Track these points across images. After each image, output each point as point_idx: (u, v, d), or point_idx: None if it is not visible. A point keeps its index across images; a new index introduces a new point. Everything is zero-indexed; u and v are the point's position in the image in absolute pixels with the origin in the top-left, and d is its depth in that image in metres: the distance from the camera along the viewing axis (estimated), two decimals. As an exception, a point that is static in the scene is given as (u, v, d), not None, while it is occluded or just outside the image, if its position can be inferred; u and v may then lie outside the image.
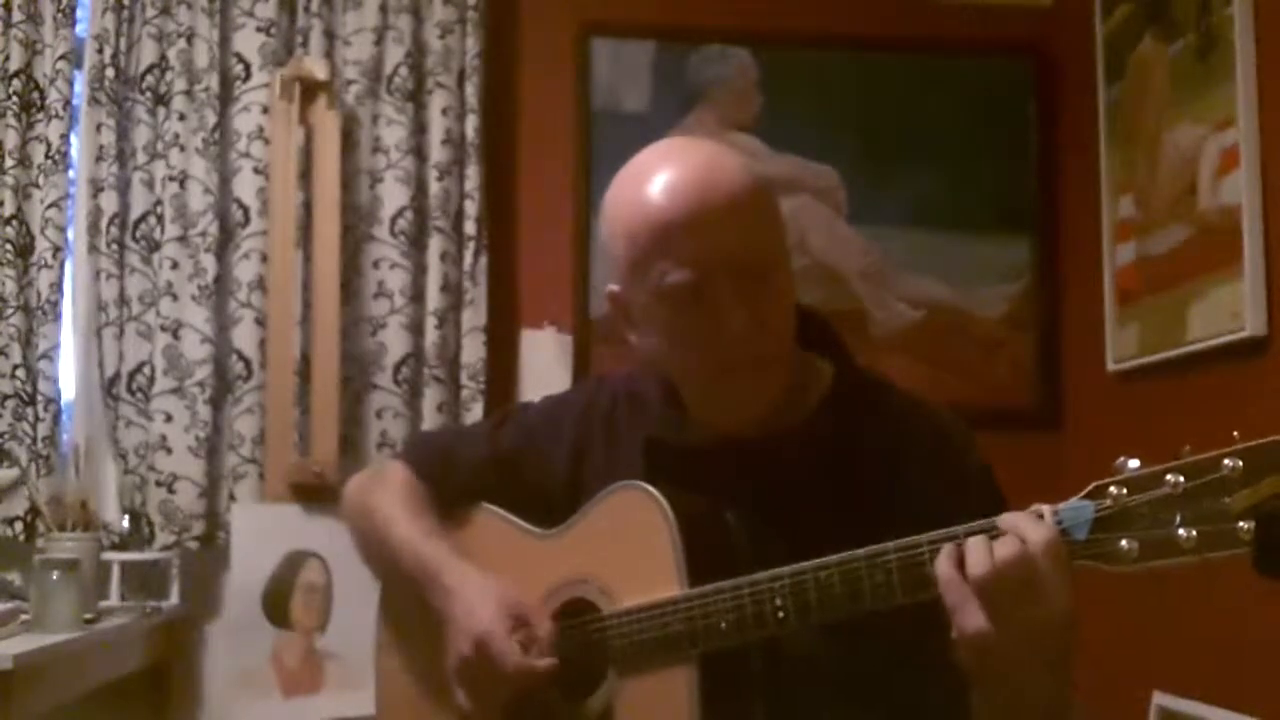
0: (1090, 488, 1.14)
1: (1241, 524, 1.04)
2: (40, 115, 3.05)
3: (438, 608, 1.56)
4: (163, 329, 3.01)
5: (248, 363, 3.03)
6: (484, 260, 3.15)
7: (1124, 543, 1.11)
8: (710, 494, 1.45)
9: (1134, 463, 1.12)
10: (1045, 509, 1.17)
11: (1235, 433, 1.05)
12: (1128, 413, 2.99)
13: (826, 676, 1.39)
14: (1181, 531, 1.08)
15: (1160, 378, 2.85)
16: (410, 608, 1.65)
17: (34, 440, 2.98)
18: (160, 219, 3.06)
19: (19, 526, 2.95)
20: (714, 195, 1.39)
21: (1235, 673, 2.57)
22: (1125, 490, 1.12)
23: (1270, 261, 2.47)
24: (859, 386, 1.51)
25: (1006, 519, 1.20)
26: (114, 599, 2.84)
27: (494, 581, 1.53)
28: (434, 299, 3.10)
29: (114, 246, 3.05)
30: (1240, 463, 1.05)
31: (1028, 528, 1.18)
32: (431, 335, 3.09)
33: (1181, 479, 1.08)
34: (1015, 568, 1.17)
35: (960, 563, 1.20)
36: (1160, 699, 2.78)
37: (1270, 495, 1.02)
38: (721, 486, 1.45)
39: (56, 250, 3.01)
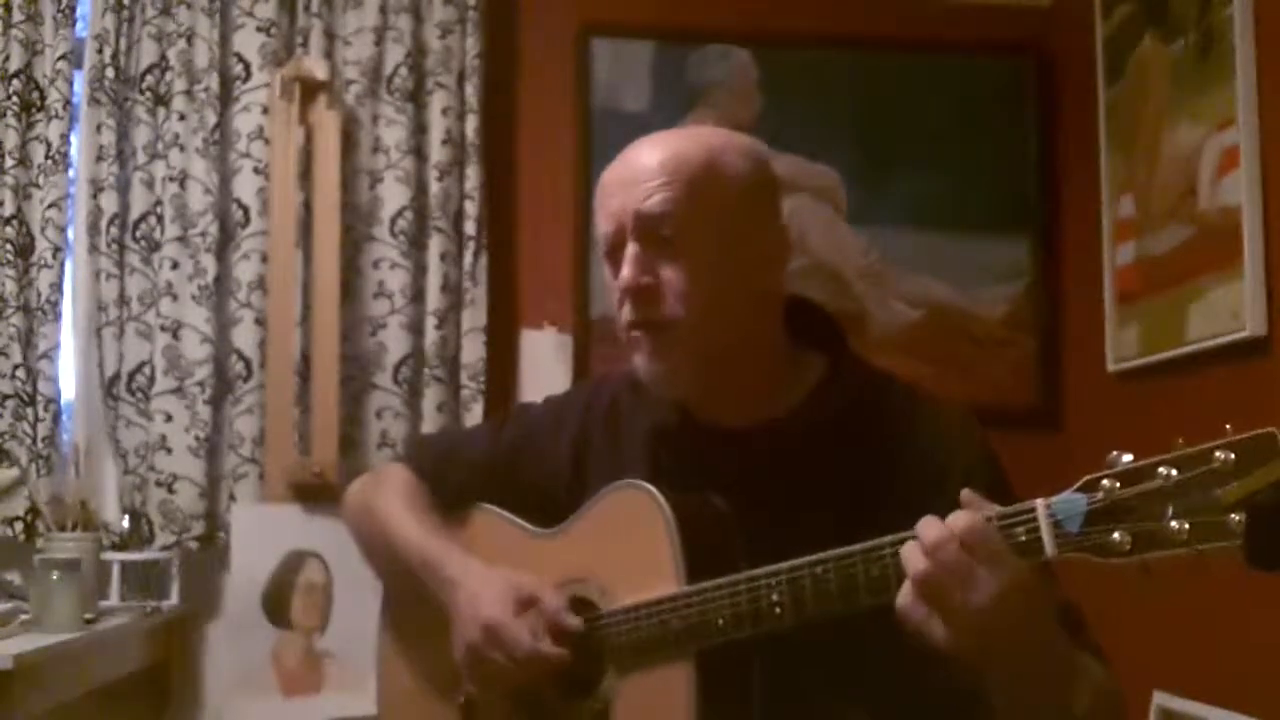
0: (1083, 481, 1.14)
1: (1233, 516, 1.05)
2: (40, 115, 3.05)
3: (442, 600, 1.57)
4: (163, 329, 3.01)
5: (248, 363, 3.04)
6: (484, 260, 3.15)
7: (1116, 535, 1.11)
8: (708, 487, 1.46)
9: (1127, 457, 1.12)
10: (1039, 502, 1.17)
11: (1228, 426, 1.06)
12: (1128, 413, 2.99)
13: (825, 670, 1.40)
14: (1174, 524, 1.08)
15: (1160, 378, 2.85)
16: (412, 606, 1.66)
17: (34, 440, 2.98)
18: (160, 219, 3.06)
19: (19, 526, 2.95)
20: (647, 158, 1.46)
21: (1235, 673, 2.56)
22: (1118, 483, 1.12)
23: (1270, 261, 2.47)
24: (852, 378, 1.52)
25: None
26: (114, 599, 2.84)
27: (498, 570, 1.54)
28: (434, 299, 3.10)
29: (114, 246, 3.05)
30: (1232, 455, 1.06)
31: (954, 519, 1.21)
32: (431, 335, 3.09)
33: (1173, 471, 1.09)
34: (940, 565, 1.19)
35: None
36: (1160, 699, 2.77)
37: (1261, 487, 1.02)
38: (719, 479, 1.46)
39: (56, 250, 3.02)
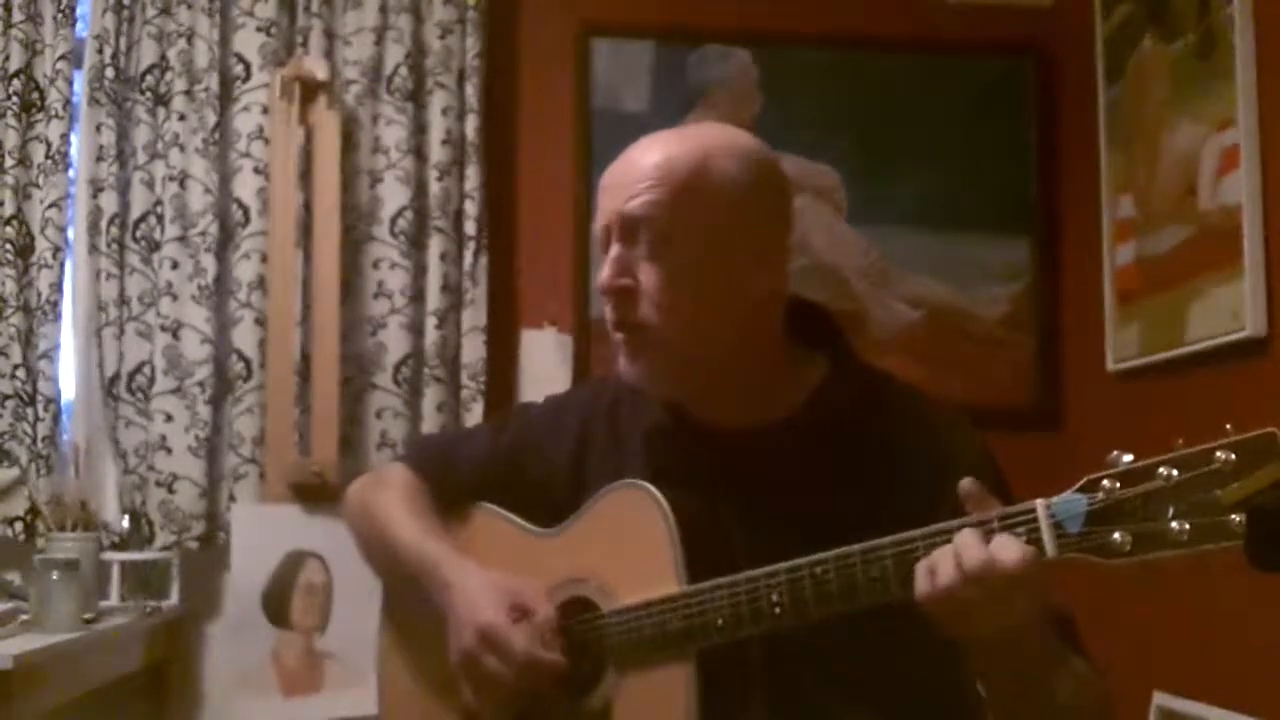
0: (1083, 481, 1.14)
1: (1234, 516, 1.05)
2: (40, 115, 3.05)
3: (439, 603, 1.56)
4: (163, 329, 3.01)
5: (248, 363, 3.03)
6: (484, 260, 3.15)
7: (1117, 535, 1.11)
8: (708, 487, 1.46)
9: (1127, 457, 1.12)
10: (1039, 503, 1.17)
11: (1228, 425, 1.05)
12: (1128, 413, 2.99)
13: (824, 670, 1.40)
14: (1174, 524, 1.08)
15: (1160, 378, 2.85)
16: (413, 608, 1.65)
17: (34, 440, 2.98)
18: (160, 219, 3.06)
19: (19, 526, 2.94)
20: (643, 158, 1.46)
21: (1235, 673, 2.56)
22: (1118, 484, 1.12)
23: (1270, 261, 2.47)
24: (852, 378, 1.51)
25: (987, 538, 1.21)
26: (114, 599, 2.85)
27: (494, 573, 1.54)
28: (434, 299, 3.10)
29: (114, 246, 3.05)
30: (1232, 455, 1.06)
31: (1003, 549, 1.18)
32: (431, 335, 3.09)
33: (1174, 472, 1.09)
34: (975, 584, 1.18)
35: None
36: (1160, 699, 2.77)
37: (1262, 487, 1.02)
38: (719, 479, 1.46)
39: (56, 250, 3.02)
